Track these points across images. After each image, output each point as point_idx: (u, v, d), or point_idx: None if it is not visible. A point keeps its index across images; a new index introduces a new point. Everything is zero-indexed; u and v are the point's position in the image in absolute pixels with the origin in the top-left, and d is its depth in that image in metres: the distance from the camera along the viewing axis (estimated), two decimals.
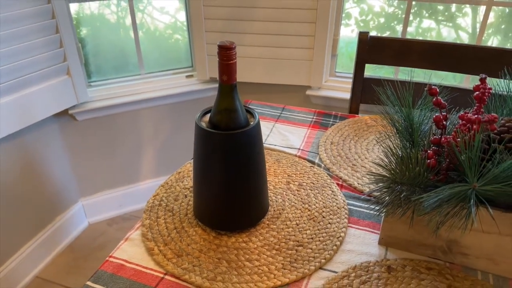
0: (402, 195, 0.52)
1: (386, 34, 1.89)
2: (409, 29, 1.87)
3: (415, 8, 1.84)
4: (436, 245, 0.64)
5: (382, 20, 1.96)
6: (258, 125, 0.66)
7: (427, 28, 1.90)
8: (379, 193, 0.57)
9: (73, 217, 1.75)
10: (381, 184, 0.55)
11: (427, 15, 1.88)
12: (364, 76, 1.16)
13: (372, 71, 1.94)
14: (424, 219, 0.57)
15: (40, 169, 1.54)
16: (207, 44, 1.62)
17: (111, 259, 0.67)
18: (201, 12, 1.56)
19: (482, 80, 0.55)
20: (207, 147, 0.65)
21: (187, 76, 1.77)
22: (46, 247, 1.61)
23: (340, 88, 1.70)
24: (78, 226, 1.79)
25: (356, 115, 1.13)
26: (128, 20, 1.66)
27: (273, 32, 1.56)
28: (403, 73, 1.75)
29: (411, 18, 1.89)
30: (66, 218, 1.71)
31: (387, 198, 0.55)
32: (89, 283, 0.62)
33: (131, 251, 0.68)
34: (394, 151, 0.57)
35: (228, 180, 0.67)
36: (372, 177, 0.53)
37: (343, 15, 1.83)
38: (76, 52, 1.46)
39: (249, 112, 0.69)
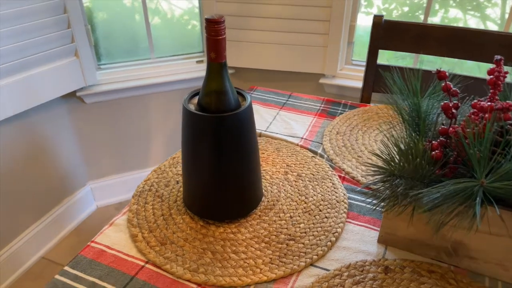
0: (399, 189, 0.47)
1: None
2: (434, 19, 1.77)
3: None
4: (441, 246, 0.58)
5: (406, 9, 1.86)
6: (249, 108, 0.61)
7: (453, 18, 1.80)
8: (375, 186, 0.52)
9: (81, 200, 1.75)
10: (377, 176, 0.50)
11: (454, 4, 1.78)
12: (377, 63, 1.09)
13: (394, 61, 1.85)
14: (426, 217, 0.51)
15: (48, 150, 1.54)
16: None
17: (92, 244, 0.64)
18: None
19: (497, 63, 0.49)
20: (195, 131, 0.61)
21: (197, 62, 1.73)
22: (52, 229, 1.62)
23: (356, 77, 1.62)
24: (86, 209, 1.79)
25: (367, 104, 1.07)
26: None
27: (286, 16, 1.49)
28: (423, 64, 1.66)
29: (436, 7, 1.79)
30: (74, 201, 1.72)
31: (384, 192, 0.49)
32: (67, 268, 0.60)
33: (114, 237, 0.65)
34: (394, 140, 0.51)
35: (217, 166, 0.62)
36: (370, 168, 0.48)
37: (365, 3, 1.75)
38: (84, 33, 1.44)
39: (241, 94, 0.64)
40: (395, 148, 0.50)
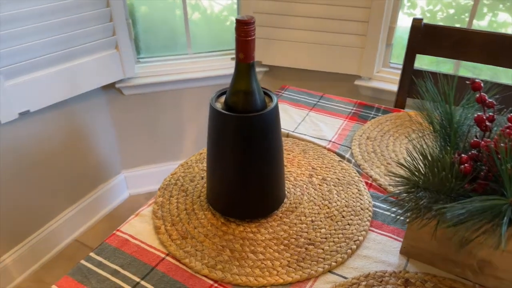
0: (422, 202, 0.45)
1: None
2: (482, 23, 1.69)
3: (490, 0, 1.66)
4: (466, 263, 0.56)
5: (452, 11, 1.79)
6: (275, 109, 0.61)
7: (502, 22, 1.71)
8: (399, 196, 0.50)
9: (114, 187, 1.82)
10: (401, 187, 0.49)
11: (503, 8, 1.69)
12: (414, 67, 1.06)
13: (434, 65, 1.78)
14: (450, 232, 0.50)
15: (86, 138, 1.61)
16: None
17: (118, 232, 0.66)
18: None
19: None
20: (220, 129, 0.62)
21: (232, 58, 1.74)
22: (86, 213, 1.69)
23: (393, 81, 1.58)
24: (119, 197, 1.86)
25: (401, 109, 1.04)
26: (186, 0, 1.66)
27: (323, 15, 1.47)
28: (465, 69, 1.59)
29: (485, 10, 1.70)
30: (108, 188, 1.78)
31: (407, 203, 0.48)
32: (92, 254, 0.62)
33: (139, 227, 0.67)
34: (421, 150, 0.49)
35: (240, 165, 0.63)
36: (393, 177, 0.47)
37: (408, 4, 1.69)
38: (125, 27, 1.49)
39: (268, 95, 0.64)
40: (421, 158, 0.49)
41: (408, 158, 0.50)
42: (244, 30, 0.55)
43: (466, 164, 0.48)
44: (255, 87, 0.60)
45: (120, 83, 1.59)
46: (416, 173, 0.48)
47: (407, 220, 0.50)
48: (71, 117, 1.51)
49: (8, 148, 1.32)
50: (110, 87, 1.60)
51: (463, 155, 0.49)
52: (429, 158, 0.47)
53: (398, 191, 0.49)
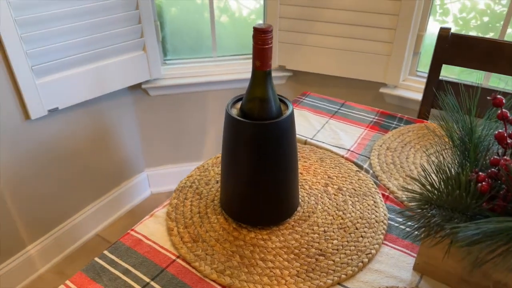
0: (433, 220, 0.44)
1: (490, 35, 1.66)
2: None
3: None
4: (481, 284, 0.54)
5: (486, 19, 1.73)
6: (290, 117, 0.61)
7: None
8: (411, 213, 0.49)
9: (137, 185, 1.86)
10: (413, 203, 0.47)
11: None
12: (440, 78, 1.03)
13: (464, 75, 1.73)
14: (464, 251, 0.48)
15: (112, 136, 1.65)
16: (279, 31, 1.58)
17: (132, 232, 0.68)
18: None
19: None
20: (235, 135, 0.62)
21: None
22: (109, 209, 1.74)
23: (420, 90, 1.54)
24: (141, 194, 1.90)
25: (424, 120, 1.01)
26: (214, 3, 1.67)
27: (349, 22, 1.46)
28: (496, 78, 1.53)
29: None
30: (131, 185, 1.82)
31: (419, 220, 0.47)
32: (106, 252, 0.64)
33: (152, 228, 0.69)
34: (436, 165, 0.48)
35: (254, 172, 0.63)
36: (406, 193, 0.46)
37: (440, 11, 1.65)
38: (153, 29, 1.52)
39: (284, 102, 0.64)
40: (436, 174, 0.47)
41: (424, 173, 0.49)
42: (261, 38, 0.55)
43: (483, 183, 0.47)
44: (271, 94, 0.60)
45: (146, 84, 1.63)
46: (430, 189, 0.47)
47: (419, 237, 0.49)
48: (98, 116, 1.56)
49: (37, 143, 1.37)
50: (136, 88, 1.64)
51: (480, 173, 0.47)
52: (445, 174, 0.46)
53: (411, 207, 0.47)
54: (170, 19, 1.71)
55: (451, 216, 0.46)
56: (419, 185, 0.49)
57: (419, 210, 0.46)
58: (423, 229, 0.46)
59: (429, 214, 0.45)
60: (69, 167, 1.52)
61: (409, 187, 0.77)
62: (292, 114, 0.62)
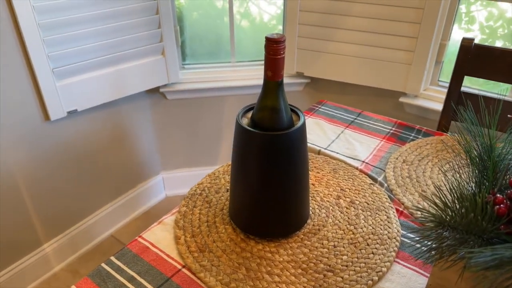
0: (445, 243, 0.42)
1: None
2: None
3: None
4: None
5: None
6: (301, 129, 0.60)
7: None
8: (423, 234, 0.47)
9: (152, 187, 1.87)
10: (427, 224, 0.45)
11: None
12: (461, 90, 0.99)
13: (490, 86, 1.67)
14: (479, 277, 0.45)
15: (129, 139, 1.67)
16: (298, 37, 1.57)
17: (139, 239, 0.68)
18: (297, 4, 1.51)
19: None
20: (244, 146, 0.61)
21: None
22: (124, 210, 1.75)
23: (441, 100, 1.50)
24: (156, 197, 1.91)
25: (444, 133, 0.98)
26: (235, 8, 1.68)
27: (369, 29, 1.43)
28: None
29: None
30: (146, 187, 1.84)
31: (429, 242, 0.45)
32: (112, 258, 0.64)
33: (160, 235, 0.68)
34: (451, 185, 0.46)
35: (263, 183, 0.62)
36: (419, 213, 0.44)
37: (466, 18, 1.60)
38: (173, 34, 1.53)
39: (296, 112, 0.63)
40: (450, 193, 0.45)
41: (437, 191, 0.47)
42: (273, 48, 0.54)
43: (501, 205, 0.44)
44: (282, 105, 0.59)
45: (164, 88, 1.64)
46: (444, 209, 0.45)
47: (431, 259, 0.47)
48: (116, 118, 1.57)
49: (55, 143, 1.40)
50: (154, 91, 1.65)
51: (498, 194, 0.45)
52: (459, 195, 0.43)
53: (423, 228, 0.45)
54: (190, 24, 1.72)
55: (466, 238, 0.44)
56: (432, 204, 0.46)
57: (430, 232, 0.44)
58: (435, 251, 0.44)
59: (442, 236, 0.43)
60: (86, 168, 1.54)
61: (425, 203, 0.74)
62: (303, 125, 0.60)
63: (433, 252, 0.43)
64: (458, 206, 0.44)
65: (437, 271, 0.56)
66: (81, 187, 1.55)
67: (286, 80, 1.69)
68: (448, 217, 0.44)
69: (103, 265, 0.63)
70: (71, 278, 1.52)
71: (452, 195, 0.45)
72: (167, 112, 1.75)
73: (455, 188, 0.46)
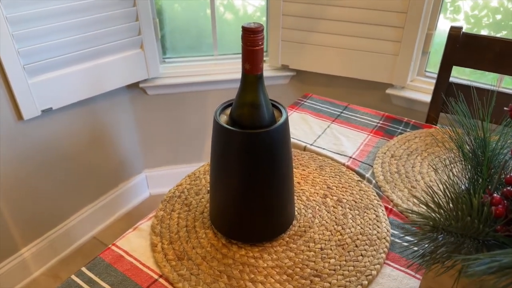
0: (440, 250, 0.38)
1: (502, 34, 1.59)
2: None
3: None
4: None
5: (498, 17, 1.65)
6: (284, 126, 0.56)
7: None
8: (415, 238, 0.43)
9: (135, 186, 1.81)
10: (422, 227, 0.42)
11: None
12: (450, 80, 0.96)
13: (478, 76, 1.65)
14: (476, 282, 0.42)
15: (109, 136, 1.61)
16: (282, 29, 1.52)
17: (113, 247, 0.63)
18: None
19: None
20: (223, 145, 0.57)
21: None
22: (106, 211, 1.70)
23: (428, 91, 1.48)
24: (140, 196, 1.86)
25: (433, 125, 0.95)
26: (218, 0, 1.62)
27: (355, 20, 1.39)
28: (509, 79, 1.46)
29: None
30: (129, 186, 1.78)
31: (423, 246, 0.41)
32: (84, 269, 0.59)
33: (135, 243, 0.64)
34: (444, 186, 0.42)
35: (244, 185, 0.58)
36: (412, 216, 0.40)
37: (451, 8, 1.58)
38: (151, 26, 1.47)
39: (278, 108, 0.58)
40: (443, 194, 0.42)
41: (430, 190, 0.43)
42: (250, 39, 0.50)
43: (499, 206, 0.41)
44: (262, 100, 0.55)
45: (144, 83, 1.58)
46: (437, 210, 0.41)
47: (424, 264, 0.43)
48: (94, 116, 1.51)
49: (31, 144, 1.34)
50: (134, 87, 1.59)
51: (495, 194, 0.41)
52: (454, 197, 0.40)
53: (415, 232, 0.42)
54: (170, 16, 1.66)
55: (461, 242, 0.40)
56: (424, 206, 0.43)
57: (423, 235, 0.41)
58: (429, 256, 0.40)
59: (435, 241, 0.40)
60: (64, 168, 1.48)
61: (416, 206, 0.71)
62: (286, 121, 0.56)
63: (426, 257, 0.40)
64: (451, 208, 0.40)
65: (430, 275, 0.52)
66: (60, 188, 1.48)
67: (271, 73, 1.65)
68: (442, 219, 0.41)
69: (73, 277, 0.58)
70: (53, 283, 1.47)
71: (446, 196, 0.42)
72: (148, 108, 1.69)
73: (449, 187, 0.42)
